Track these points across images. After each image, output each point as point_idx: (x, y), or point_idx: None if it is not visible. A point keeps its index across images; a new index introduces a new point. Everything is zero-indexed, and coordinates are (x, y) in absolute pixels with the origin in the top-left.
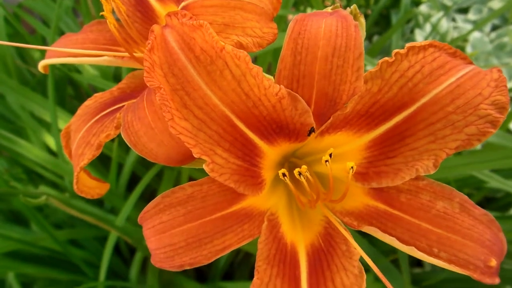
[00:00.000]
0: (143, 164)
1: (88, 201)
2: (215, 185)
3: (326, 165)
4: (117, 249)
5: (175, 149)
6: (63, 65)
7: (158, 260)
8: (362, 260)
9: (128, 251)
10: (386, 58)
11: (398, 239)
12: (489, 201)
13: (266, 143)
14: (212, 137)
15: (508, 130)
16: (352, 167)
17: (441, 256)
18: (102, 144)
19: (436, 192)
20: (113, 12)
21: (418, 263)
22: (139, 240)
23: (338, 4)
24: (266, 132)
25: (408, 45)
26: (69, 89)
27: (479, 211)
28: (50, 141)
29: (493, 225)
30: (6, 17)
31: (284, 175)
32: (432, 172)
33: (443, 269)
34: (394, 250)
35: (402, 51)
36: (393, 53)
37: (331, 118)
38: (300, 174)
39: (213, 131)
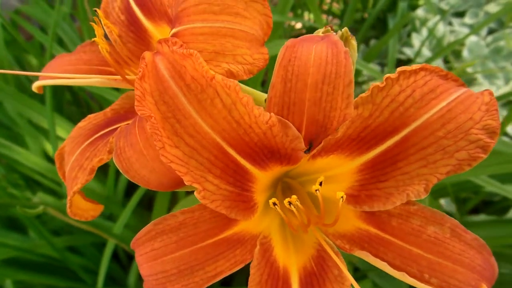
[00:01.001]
0: None
1: None
2: (207, 211)
3: (317, 193)
4: (115, 255)
5: (166, 175)
6: None
7: (151, 286)
8: (360, 266)
9: (126, 258)
10: (377, 83)
11: (390, 264)
12: (487, 204)
13: (258, 168)
14: (203, 164)
15: (505, 134)
16: (342, 197)
17: (432, 282)
18: (95, 169)
19: (427, 217)
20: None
21: None
22: None
23: (329, 28)
24: (258, 158)
25: (399, 69)
26: (67, 95)
27: (470, 236)
28: (48, 148)
29: (484, 250)
30: (3, 24)
31: (274, 204)
32: (423, 197)
33: None
34: None
35: (393, 75)
36: (384, 78)
37: (323, 143)
38: (290, 203)
39: (204, 158)
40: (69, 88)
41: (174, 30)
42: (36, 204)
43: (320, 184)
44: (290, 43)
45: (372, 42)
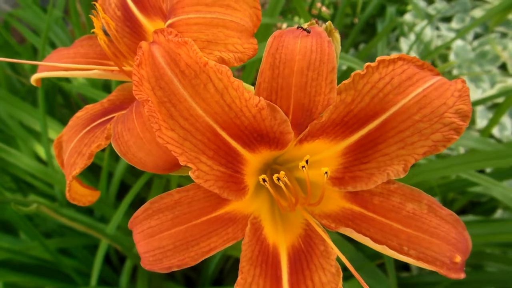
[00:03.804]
0: (133, 173)
1: (78, 210)
2: (201, 191)
3: (303, 170)
4: (107, 258)
5: (162, 158)
6: None
7: (148, 263)
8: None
9: (118, 260)
10: (358, 71)
11: (372, 238)
12: (474, 205)
13: (248, 151)
14: (197, 146)
15: (491, 136)
16: (326, 172)
17: (410, 254)
18: (93, 154)
19: (406, 194)
20: (103, 27)
21: (405, 267)
22: (129, 248)
23: (314, 21)
24: (248, 141)
25: (378, 58)
26: (59, 98)
27: (445, 211)
28: (40, 150)
29: (458, 224)
30: None
31: (264, 180)
32: (402, 176)
33: (430, 273)
34: (380, 255)
35: (373, 64)
36: (364, 66)
37: (309, 127)
38: (278, 179)
39: (198, 140)
40: (61, 91)
41: (169, 21)
42: (29, 202)
43: (307, 162)
44: (278, 34)
45: (361, 46)
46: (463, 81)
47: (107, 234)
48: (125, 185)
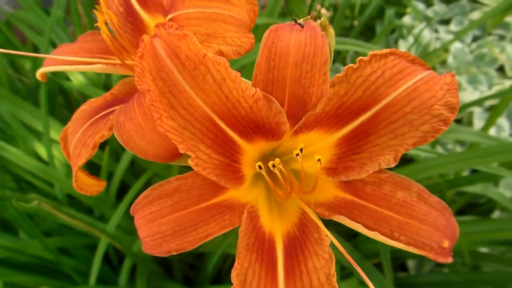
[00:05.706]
0: (133, 173)
1: (78, 209)
2: (199, 178)
3: (297, 159)
4: (106, 258)
5: (162, 147)
6: (54, 74)
7: (148, 247)
8: (346, 265)
9: (117, 260)
10: (351, 64)
11: (364, 225)
12: (472, 206)
13: (245, 141)
14: (196, 135)
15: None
16: (319, 159)
17: (401, 240)
18: (97, 145)
19: (396, 183)
20: (105, 23)
21: (402, 267)
22: (129, 247)
23: (309, 16)
24: (245, 131)
25: (371, 53)
26: (59, 98)
27: (434, 199)
28: (41, 150)
29: (446, 211)
30: None
31: (260, 167)
32: (392, 166)
33: (427, 274)
34: (377, 254)
35: (365, 58)
36: (357, 60)
37: (304, 118)
38: (274, 166)
39: (197, 129)
40: (62, 92)
41: (170, 16)
42: (30, 199)
43: (301, 150)
44: (274, 28)
45: None
46: (452, 75)
47: (107, 232)
48: (124, 185)
